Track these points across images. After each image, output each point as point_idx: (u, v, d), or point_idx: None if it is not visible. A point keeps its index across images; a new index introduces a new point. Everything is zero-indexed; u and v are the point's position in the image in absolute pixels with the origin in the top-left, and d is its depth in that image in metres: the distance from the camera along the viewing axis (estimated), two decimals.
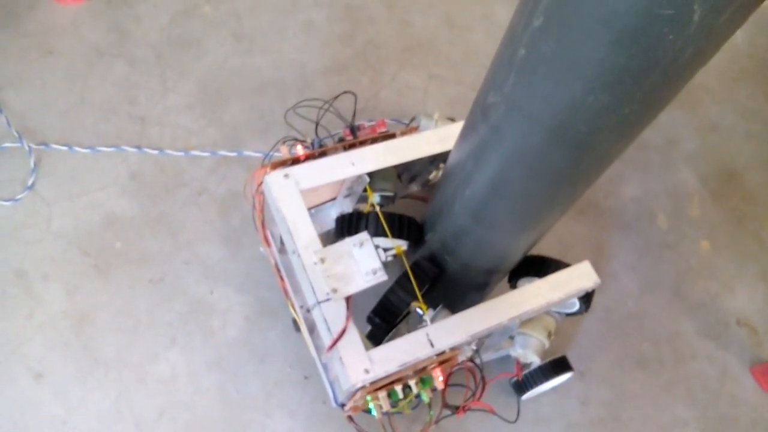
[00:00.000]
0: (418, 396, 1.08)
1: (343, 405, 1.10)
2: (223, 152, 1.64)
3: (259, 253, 1.56)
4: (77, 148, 1.62)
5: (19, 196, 1.56)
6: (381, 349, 1.00)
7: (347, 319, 0.99)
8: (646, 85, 0.65)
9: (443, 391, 1.16)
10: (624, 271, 1.64)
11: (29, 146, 1.60)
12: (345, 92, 1.23)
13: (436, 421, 1.17)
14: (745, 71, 1.90)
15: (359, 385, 0.97)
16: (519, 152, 0.84)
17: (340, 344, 0.98)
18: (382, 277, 1.01)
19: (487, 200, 0.97)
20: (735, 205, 1.74)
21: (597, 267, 1.24)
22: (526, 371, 1.28)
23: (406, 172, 1.36)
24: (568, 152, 0.80)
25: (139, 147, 1.64)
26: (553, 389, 1.51)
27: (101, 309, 1.49)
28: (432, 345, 1.01)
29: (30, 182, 1.57)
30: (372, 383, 0.98)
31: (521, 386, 1.32)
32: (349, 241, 1.02)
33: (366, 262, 1.00)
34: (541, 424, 1.48)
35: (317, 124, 1.20)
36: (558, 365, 1.29)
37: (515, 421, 1.27)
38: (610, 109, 0.69)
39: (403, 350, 1.00)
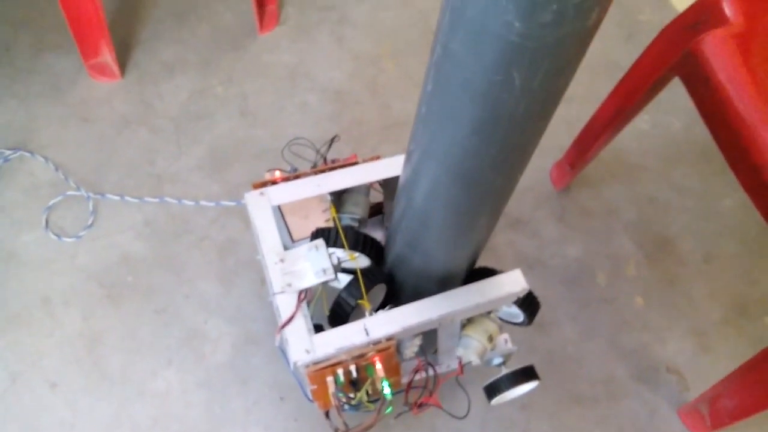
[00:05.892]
0: (384, 396, 1.24)
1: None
2: (224, 202, 1.93)
3: (249, 290, 1.82)
4: (109, 195, 1.92)
5: (81, 233, 1.88)
6: (323, 335, 1.19)
7: (297, 308, 1.19)
8: (501, 132, 0.91)
9: (406, 390, 1.34)
10: (566, 319, 1.87)
11: (88, 194, 1.93)
12: (335, 136, 1.49)
13: (396, 416, 1.35)
14: (681, 154, 2.18)
15: (300, 362, 1.16)
16: (433, 188, 1.09)
17: (287, 329, 1.18)
18: (330, 275, 1.21)
19: (419, 231, 1.21)
20: (668, 268, 1.98)
21: (542, 314, 1.47)
22: (495, 377, 1.38)
23: (385, 208, 1.57)
24: (465, 187, 1.05)
25: (154, 198, 1.93)
26: (498, 420, 1.72)
27: (111, 332, 1.75)
28: (367, 333, 1.19)
29: (89, 222, 1.90)
30: (315, 364, 1.17)
31: (491, 390, 1.41)
32: (306, 245, 1.25)
33: (318, 263, 1.22)
34: None
35: (315, 163, 1.45)
36: (526, 373, 1.39)
37: (465, 417, 1.44)
38: (482, 150, 0.95)
39: (343, 336, 1.18)
